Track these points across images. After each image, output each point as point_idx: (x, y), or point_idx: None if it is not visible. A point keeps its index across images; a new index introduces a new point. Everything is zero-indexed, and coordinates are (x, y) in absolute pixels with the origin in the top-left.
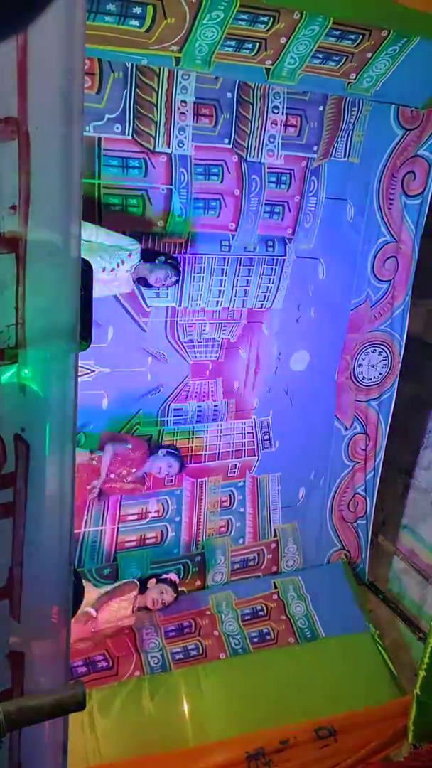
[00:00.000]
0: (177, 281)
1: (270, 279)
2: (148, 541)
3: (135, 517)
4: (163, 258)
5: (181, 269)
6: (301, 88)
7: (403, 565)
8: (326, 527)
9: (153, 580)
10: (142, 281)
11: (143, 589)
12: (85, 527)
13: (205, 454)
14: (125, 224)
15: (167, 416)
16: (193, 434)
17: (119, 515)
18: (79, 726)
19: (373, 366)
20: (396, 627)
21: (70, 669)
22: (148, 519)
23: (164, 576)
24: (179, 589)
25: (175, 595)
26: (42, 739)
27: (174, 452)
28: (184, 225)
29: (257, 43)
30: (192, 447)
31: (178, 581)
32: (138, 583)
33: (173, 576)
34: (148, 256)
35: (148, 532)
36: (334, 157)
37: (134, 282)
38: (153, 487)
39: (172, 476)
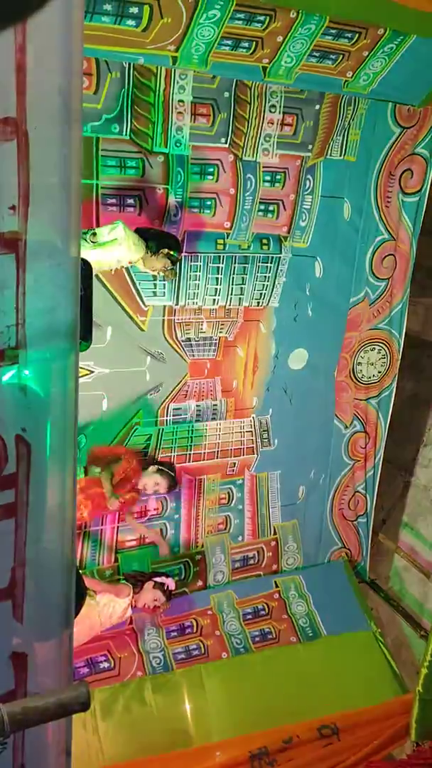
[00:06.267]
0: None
1: (265, 277)
2: (147, 540)
3: (134, 515)
4: (166, 251)
5: (179, 258)
6: (298, 86)
7: (404, 563)
8: (327, 526)
9: (150, 583)
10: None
11: (139, 589)
12: (85, 527)
13: (203, 453)
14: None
15: (166, 416)
16: (192, 433)
17: (119, 514)
18: (81, 727)
19: (372, 364)
20: (397, 625)
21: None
22: (147, 517)
23: (162, 580)
24: (175, 591)
25: (167, 606)
26: (45, 740)
27: (164, 469)
28: (179, 224)
29: (254, 42)
30: (191, 445)
31: (174, 589)
32: (131, 586)
33: (171, 583)
34: (154, 245)
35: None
36: (330, 155)
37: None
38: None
39: (162, 495)
